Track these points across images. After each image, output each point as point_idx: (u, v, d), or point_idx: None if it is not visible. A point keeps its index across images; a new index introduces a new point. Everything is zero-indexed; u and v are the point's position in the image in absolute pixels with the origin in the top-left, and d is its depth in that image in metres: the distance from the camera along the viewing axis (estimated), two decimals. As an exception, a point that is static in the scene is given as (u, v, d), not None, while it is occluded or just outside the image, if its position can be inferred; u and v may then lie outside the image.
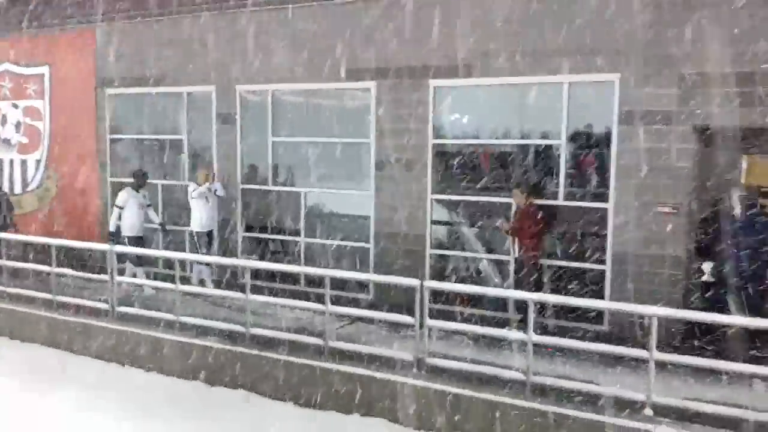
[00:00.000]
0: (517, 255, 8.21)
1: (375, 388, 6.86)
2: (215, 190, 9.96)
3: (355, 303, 8.86)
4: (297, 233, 10.16)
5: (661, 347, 6.14)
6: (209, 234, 10.01)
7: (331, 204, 10.12)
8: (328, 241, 9.95)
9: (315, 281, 9.38)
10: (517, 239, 8.20)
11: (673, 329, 7.55)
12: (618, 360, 6.94)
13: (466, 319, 8.21)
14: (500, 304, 8.63)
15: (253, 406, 7.27)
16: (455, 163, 9.05)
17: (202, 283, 9.83)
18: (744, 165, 9.07)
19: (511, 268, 8.47)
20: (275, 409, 7.18)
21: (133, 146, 11.65)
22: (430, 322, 6.91)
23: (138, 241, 10.08)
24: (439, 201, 9.14)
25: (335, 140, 9.76)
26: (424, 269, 9.11)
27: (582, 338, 7.30)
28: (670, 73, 7.56)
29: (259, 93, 10.25)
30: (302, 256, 10.13)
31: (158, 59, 10.95)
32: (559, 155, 8.28)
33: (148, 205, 10.37)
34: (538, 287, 8.06)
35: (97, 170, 11.86)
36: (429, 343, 6.99)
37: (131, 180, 10.37)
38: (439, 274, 9.11)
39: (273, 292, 9.04)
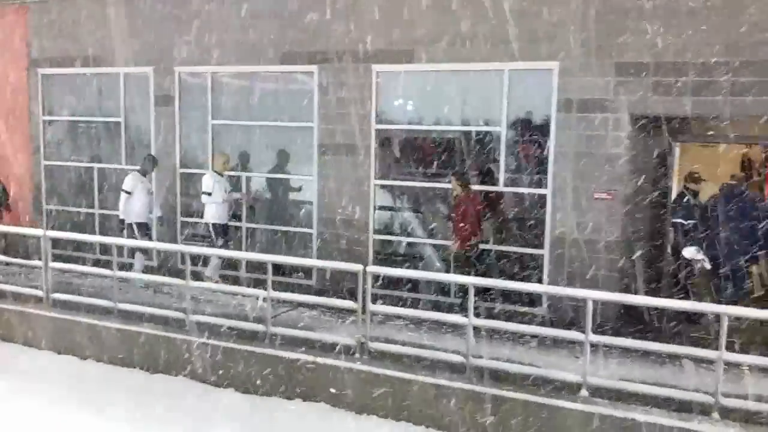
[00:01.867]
0: (456, 241, 8.27)
1: (316, 373, 6.86)
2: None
3: (298, 288, 8.83)
4: (238, 218, 10.04)
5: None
6: (225, 226, 9.55)
7: (273, 189, 10.02)
8: (271, 227, 9.86)
9: (258, 267, 9.30)
10: (456, 226, 8.26)
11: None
12: (556, 342, 7.14)
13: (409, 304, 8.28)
14: (443, 288, 8.74)
15: (193, 394, 7.17)
16: (398, 148, 9.06)
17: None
18: (677, 152, 9.38)
19: (452, 253, 8.55)
20: (216, 396, 7.11)
21: (68, 128, 11.27)
22: (372, 307, 6.94)
23: (146, 227, 9.67)
24: (382, 186, 9.16)
25: (278, 124, 9.66)
26: (367, 254, 9.12)
27: (521, 321, 7.45)
28: (607, 62, 7.72)
29: (199, 75, 10.03)
30: (244, 241, 10.02)
31: (94, 39, 10.58)
32: (499, 142, 8.38)
33: (150, 193, 9.77)
34: (477, 272, 8.16)
35: (30, 153, 11.46)
36: (371, 328, 7.02)
37: (138, 165, 9.78)
38: (382, 260, 9.14)
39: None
